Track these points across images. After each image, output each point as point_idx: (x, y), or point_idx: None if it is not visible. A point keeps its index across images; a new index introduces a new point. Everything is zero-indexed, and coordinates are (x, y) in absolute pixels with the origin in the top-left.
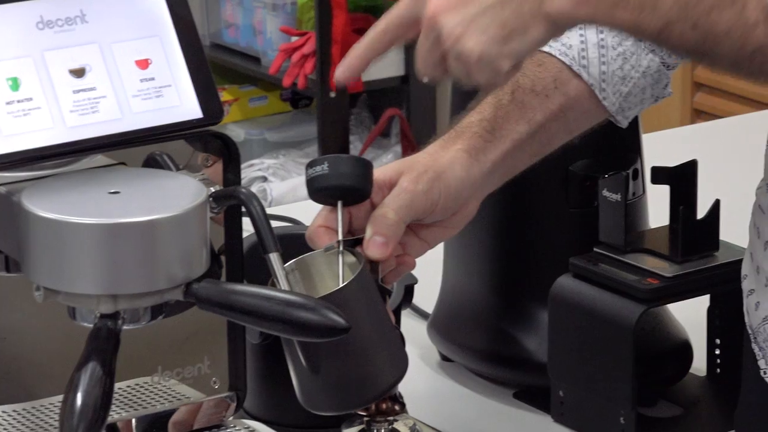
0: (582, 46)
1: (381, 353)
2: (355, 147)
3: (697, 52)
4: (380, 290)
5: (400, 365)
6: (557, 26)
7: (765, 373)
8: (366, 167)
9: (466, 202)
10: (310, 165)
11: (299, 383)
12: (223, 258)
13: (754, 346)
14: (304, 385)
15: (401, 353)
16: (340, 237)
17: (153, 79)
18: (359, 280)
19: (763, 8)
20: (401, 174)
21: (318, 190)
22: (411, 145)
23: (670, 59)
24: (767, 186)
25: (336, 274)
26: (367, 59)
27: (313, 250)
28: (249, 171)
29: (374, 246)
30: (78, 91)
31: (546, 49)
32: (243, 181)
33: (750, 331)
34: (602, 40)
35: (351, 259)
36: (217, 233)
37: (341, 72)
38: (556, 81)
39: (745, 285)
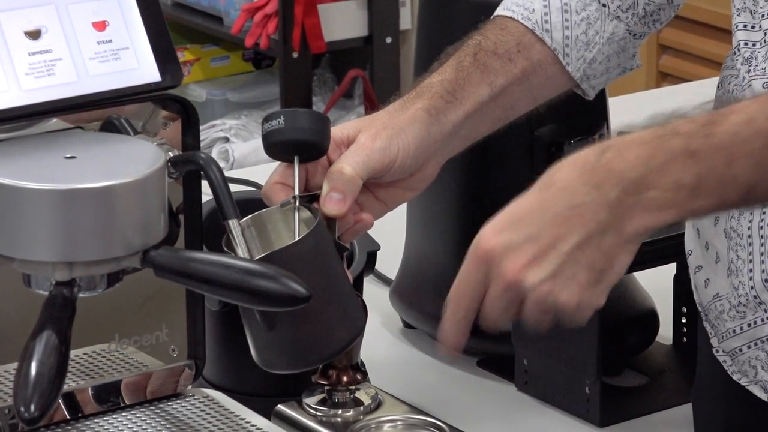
0: (545, 11)
1: (337, 310)
2: (318, 108)
3: None
4: (337, 247)
5: (356, 323)
6: (642, 240)
7: (717, 351)
8: (323, 122)
9: (426, 163)
10: (266, 119)
11: (254, 341)
12: (181, 217)
13: (705, 324)
14: (258, 343)
15: (358, 311)
16: (297, 192)
17: (110, 41)
18: (315, 235)
19: None
20: (359, 131)
21: (274, 145)
22: (374, 106)
23: (637, 27)
24: None
25: (292, 230)
26: (466, 333)
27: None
28: (211, 132)
29: (331, 202)
30: (33, 54)
31: (508, 13)
32: (204, 142)
33: (700, 309)
34: (566, 4)
35: (307, 214)
36: (175, 191)
37: (450, 351)
38: (519, 45)
39: (691, 261)
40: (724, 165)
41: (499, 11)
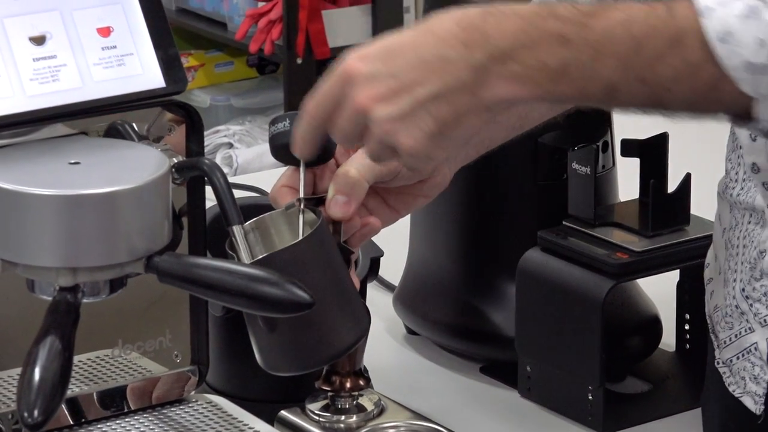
0: None
1: (340, 312)
2: None
3: (650, 105)
4: (342, 251)
5: (359, 325)
6: (494, 112)
7: (718, 363)
8: None
9: (437, 170)
10: (272, 122)
11: (257, 343)
12: (184, 220)
13: (711, 335)
14: (262, 346)
15: (361, 313)
16: (301, 195)
17: (115, 47)
18: (317, 235)
19: (702, 45)
20: None
21: (280, 147)
22: None
23: None
24: (726, 172)
25: (295, 232)
26: (316, 143)
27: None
28: (215, 137)
29: (336, 205)
30: (38, 59)
31: None
32: (208, 148)
33: (709, 321)
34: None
35: (311, 217)
36: (179, 196)
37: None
38: None
39: (706, 274)
40: (590, 59)
41: None
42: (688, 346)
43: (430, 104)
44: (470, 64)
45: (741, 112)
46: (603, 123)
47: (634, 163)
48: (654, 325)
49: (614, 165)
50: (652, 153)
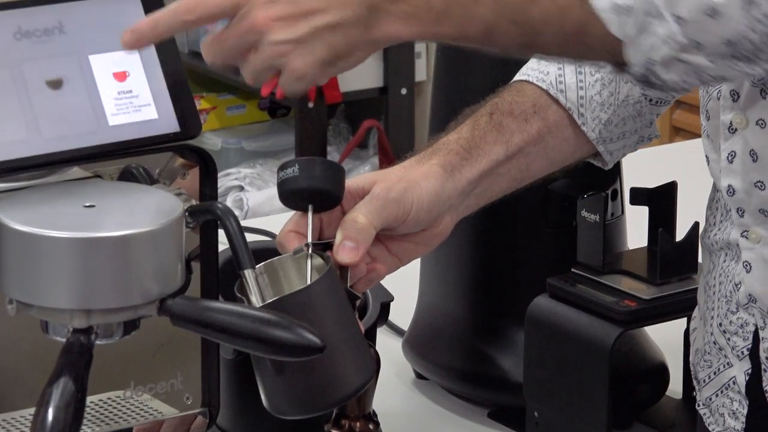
0: (559, 72)
1: (347, 356)
2: (333, 158)
3: (524, 46)
4: (349, 296)
5: (365, 370)
6: (380, 47)
7: (698, 405)
8: (338, 171)
9: (439, 219)
10: (281, 168)
11: (264, 386)
12: (193, 264)
13: (694, 382)
14: (269, 389)
15: (368, 358)
16: (309, 240)
17: (130, 91)
18: (326, 280)
19: None
20: (374, 183)
21: (289, 193)
22: (388, 156)
23: (651, 92)
24: (706, 220)
25: (304, 277)
26: (163, 36)
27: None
28: (226, 180)
29: (344, 250)
30: (55, 102)
31: (523, 77)
32: (219, 190)
33: (692, 368)
34: (580, 66)
35: (319, 262)
36: (189, 239)
37: (128, 38)
38: (535, 106)
39: (691, 326)
40: (471, 1)
41: (516, 78)
42: (695, 393)
43: (326, 33)
44: (368, 1)
45: (617, 59)
46: (612, 171)
47: (643, 211)
48: (661, 372)
49: (623, 213)
50: (661, 201)
